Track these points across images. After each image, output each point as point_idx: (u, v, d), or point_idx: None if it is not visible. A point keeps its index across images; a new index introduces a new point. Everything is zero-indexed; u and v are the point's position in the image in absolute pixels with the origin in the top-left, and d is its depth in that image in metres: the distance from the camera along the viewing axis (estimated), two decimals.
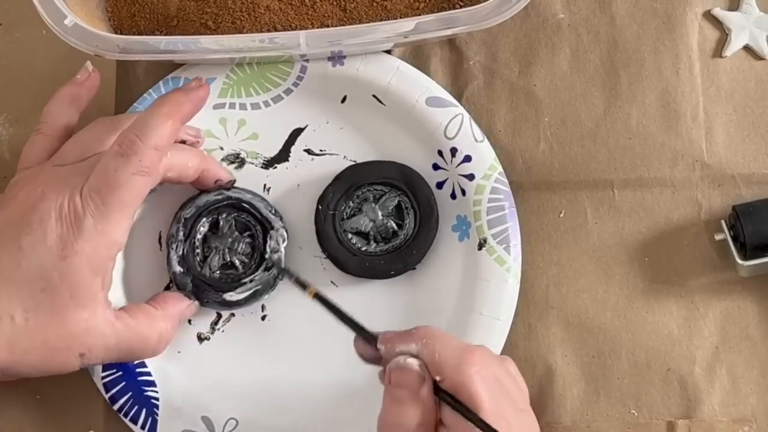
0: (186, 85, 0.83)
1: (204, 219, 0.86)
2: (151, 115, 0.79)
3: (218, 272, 0.86)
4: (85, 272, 0.77)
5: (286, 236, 0.86)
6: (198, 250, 0.86)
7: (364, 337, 0.75)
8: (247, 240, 0.86)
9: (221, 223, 0.86)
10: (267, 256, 0.85)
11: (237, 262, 0.86)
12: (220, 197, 0.86)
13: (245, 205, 0.86)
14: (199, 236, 0.86)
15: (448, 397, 0.70)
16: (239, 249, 0.86)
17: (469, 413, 0.69)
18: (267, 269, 0.85)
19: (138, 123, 0.78)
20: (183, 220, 0.85)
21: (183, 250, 0.85)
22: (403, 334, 0.73)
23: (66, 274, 0.76)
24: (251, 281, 0.85)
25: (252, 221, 0.86)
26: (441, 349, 0.71)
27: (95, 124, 0.83)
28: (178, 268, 0.85)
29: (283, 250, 0.85)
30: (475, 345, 0.74)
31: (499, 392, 0.71)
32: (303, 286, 0.79)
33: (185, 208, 0.86)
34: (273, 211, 0.86)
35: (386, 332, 0.75)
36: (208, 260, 0.86)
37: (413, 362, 0.71)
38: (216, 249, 0.86)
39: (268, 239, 0.85)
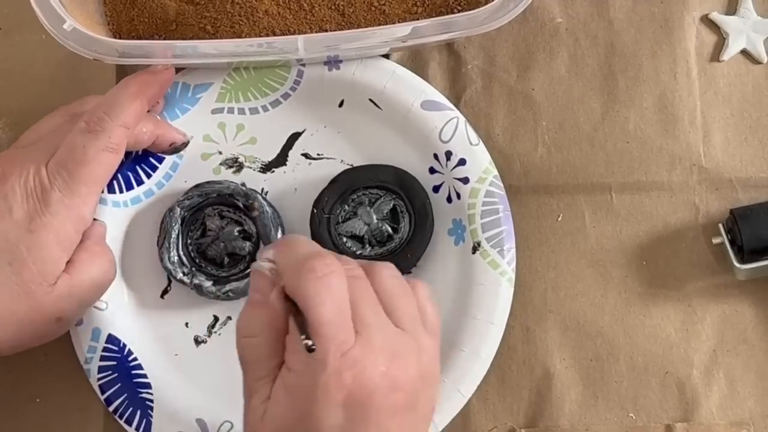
0: (152, 68, 0.84)
1: (194, 218, 0.87)
2: (120, 94, 0.81)
3: (211, 267, 0.87)
4: (52, 247, 0.78)
5: (278, 225, 0.86)
6: (191, 241, 0.87)
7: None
8: (239, 231, 0.87)
9: (211, 223, 0.86)
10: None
11: (226, 260, 0.87)
12: (223, 194, 0.87)
13: (243, 206, 0.86)
14: (192, 234, 0.87)
15: (288, 302, 0.67)
16: (232, 245, 0.87)
17: (296, 318, 0.65)
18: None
19: (106, 101, 0.80)
20: (179, 214, 0.86)
21: (177, 248, 0.86)
22: (272, 243, 0.71)
23: (33, 248, 0.77)
24: (239, 277, 0.86)
25: (246, 218, 0.87)
26: (287, 255, 0.68)
27: (52, 114, 0.84)
28: (169, 256, 0.86)
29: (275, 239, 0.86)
30: (373, 265, 0.70)
31: (361, 302, 0.66)
32: None
33: (181, 202, 0.86)
34: (273, 217, 0.86)
35: None
36: (202, 249, 0.87)
37: (265, 266, 0.69)
38: (212, 243, 0.87)
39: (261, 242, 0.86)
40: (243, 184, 0.87)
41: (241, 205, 0.86)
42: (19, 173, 0.78)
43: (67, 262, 0.80)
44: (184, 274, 0.86)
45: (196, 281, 0.86)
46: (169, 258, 0.86)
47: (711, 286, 0.88)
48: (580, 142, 0.89)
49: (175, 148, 0.87)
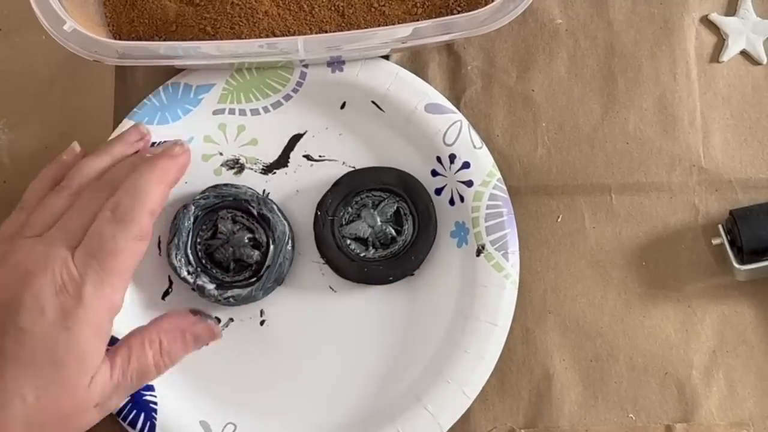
0: (169, 150, 0.83)
1: (207, 218, 0.87)
2: (144, 181, 0.79)
3: (216, 270, 0.87)
4: (89, 340, 0.76)
5: (288, 240, 0.86)
6: (200, 241, 0.87)
7: None
8: (249, 238, 0.87)
9: (223, 225, 0.86)
10: (267, 262, 0.86)
11: (232, 265, 0.87)
12: (225, 199, 0.87)
13: (252, 210, 0.86)
14: (202, 234, 0.87)
15: None
16: (240, 252, 0.86)
17: None
18: (262, 274, 0.86)
19: (130, 189, 0.79)
20: (193, 212, 0.86)
21: (186, 246, 0.86)
22: None
23: (71, 345, 0.75)
24: (247, 283, 0.86)
25: (258, 226, 0.86)
26: None
27: (57, 192, 0.81)
28: (177, 254, 0.86)
29: (284, 256, 0.86)
30: None
31: None
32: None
33: (197, 201, 0.86)
34: (280, 216, 0.86)
35: None
36: (210, 253, 0.87)
37: None
38: (221, 246, 0.87)
39: (271, 244, 0.86)
40: (266, 195, 0.88)
41: (255, 213, 0.86)
42: (44, 269, 0.76)
43: (120, 343, 0.80)
44: (188, 273, 0.86)
45: (199, 282, 0.86)
46: (176, 255, 0.86)
47: (711, 287, 0.88)
48: (579, 143, 0.89)
49: None
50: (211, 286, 0.86)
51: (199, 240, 0.86)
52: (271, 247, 0.85)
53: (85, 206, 0.79)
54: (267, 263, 0.85)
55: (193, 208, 0.86)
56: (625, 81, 0.90)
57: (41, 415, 0.75)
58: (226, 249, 0.86)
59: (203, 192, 0.86)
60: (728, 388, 0.86)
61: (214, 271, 0.86)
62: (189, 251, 0.86)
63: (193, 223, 0.86)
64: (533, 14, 0.91)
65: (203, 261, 0.86)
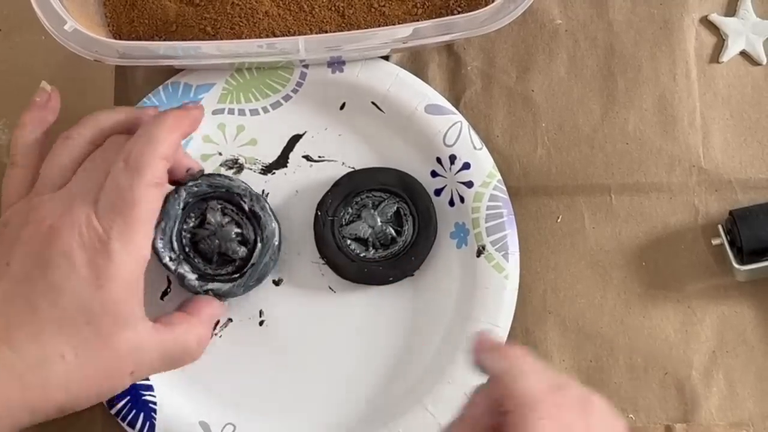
0: (182, 106, 0.83)
1: (197, 206, 0.86)
2: (156, 128, 0.79)
3: (199, 260, 0.86)
4: (123, 295, 0.76)
5: (276, 240, 0.86)
6: (186, 228, 0.86)
7: None
8: (237, 233, 0.86)
9: (212, 216, 0.86)
10: (253, 260, 0.86)
11: (215, 258, 0.86)
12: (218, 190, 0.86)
13: (242, 203, 0.86)
14: (189, 221, 0.86)
15: None
16: (226, 246, 0.86)
17: None
18: (245, 272, 0.85)
19: (141, 137, 0.78)
20: (184, 198, 0.85)
21: (172, 232, 0.85)
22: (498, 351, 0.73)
23: (106, 303, 0.75)
24: (234, 277, 0.86)
25: (247, 222, 0.86)
26: (516, 384, 0.69)
27: (63, 141, 0.82)
28: (162, 237, 0.85)
29: (270, 256, 0.86)
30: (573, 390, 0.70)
31: None
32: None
33: (189, 187, 0.85)
34: (271, 215, 0.86)
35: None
36: (196, 245, 0.86)
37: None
38: (207, 237, 0.86)
39: (258, 242, 0.85)
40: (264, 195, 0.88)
41: (246, 208, 0.85)
42: (71, 227, 0.76)
43: (161, 319, 0.80)
44: (170, 259, 0.85)
45: (180, 270, 0.85)
46: (161, 239, 0.84)
47: (710, 288, 0.88)
48: (579, 144, 0.89)
49: (192, 176, 0.85)
50: (191, 276, 0.85)
51: (185, 227, 0.86)
52: (259, 245, 0.85)
53: (99, 162, 0.79)
54: (252, 261, 0.85)
55: (184, 193, 0.84)
56: (624, 81, 0.90)
57: (80, 374, 0.75)
58: (212, 241, 0.85)
59: (196, 179, 0.85)
60: (728, 388, 0.86)
61: (196, 260, 0.86)
62: (174, 237, 0.85)
63: (182, 209, 0.85)
64: (533, 15, 0.91)
65: (186, 249, 0.86)
